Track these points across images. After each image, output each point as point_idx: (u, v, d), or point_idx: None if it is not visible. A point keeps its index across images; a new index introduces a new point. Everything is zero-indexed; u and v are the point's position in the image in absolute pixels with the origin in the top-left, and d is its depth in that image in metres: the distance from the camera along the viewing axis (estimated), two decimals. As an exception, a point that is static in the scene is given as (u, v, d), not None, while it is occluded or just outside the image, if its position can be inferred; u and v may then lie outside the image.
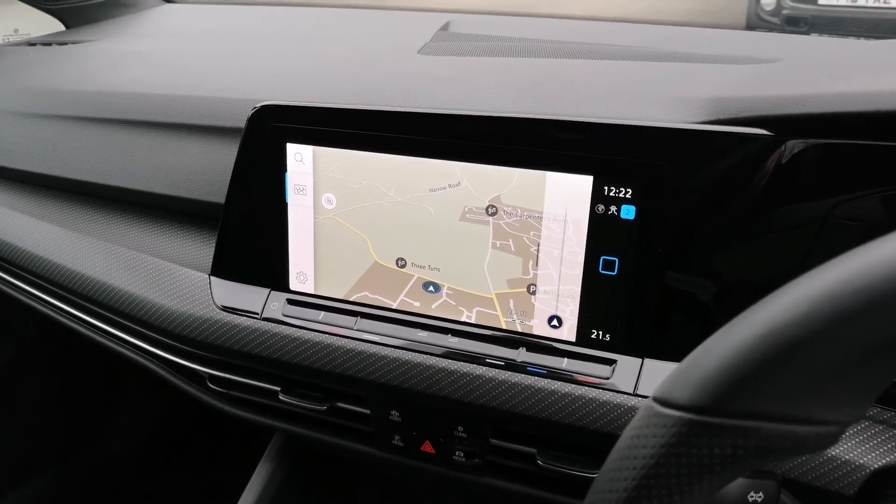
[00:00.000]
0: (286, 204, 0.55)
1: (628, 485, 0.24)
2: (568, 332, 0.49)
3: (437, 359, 0.51)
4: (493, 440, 0.52)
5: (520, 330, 0.50)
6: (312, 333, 0.54)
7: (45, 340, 1.12)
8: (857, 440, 0.41)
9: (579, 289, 0.48)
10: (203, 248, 0.63)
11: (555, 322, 0.50)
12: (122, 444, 1.24)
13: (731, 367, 0.22)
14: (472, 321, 0.51)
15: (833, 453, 0.41)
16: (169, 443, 1.29)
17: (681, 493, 0.23)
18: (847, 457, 0.41)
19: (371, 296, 0.54)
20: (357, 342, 0.53)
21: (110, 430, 1.23)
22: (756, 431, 0.22)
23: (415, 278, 0.53)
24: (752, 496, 0.34)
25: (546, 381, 0.48)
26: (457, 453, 0.53)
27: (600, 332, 0.48)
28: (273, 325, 0.56)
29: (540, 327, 0.50)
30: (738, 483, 0.34)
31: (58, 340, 1.13)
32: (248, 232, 0.57)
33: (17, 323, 1.09)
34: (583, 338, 0.49)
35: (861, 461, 0.41)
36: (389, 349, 0.52)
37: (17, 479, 1.11)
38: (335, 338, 0.54)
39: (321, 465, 0.67)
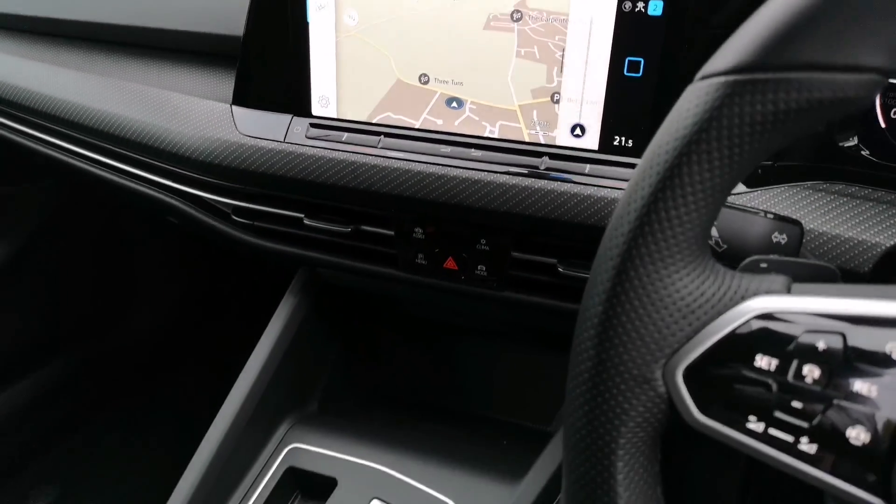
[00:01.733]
0: (307, 24, 0.55)
1: (670, 158, 0.25)
2: (591, 140, 0.50)
3: (461, 170, 0.52)
4: (514, 252, 0.54)
5: (543, 141, 0.51)
6: (336, 153, 0.55)
7: (66, 221, 1.13)
8: (873, 221, 0.43)
9: (603, 94, 0.49)
10: (223, 84, 0.63)
11: (577, 131, 0.50)
12: (135, 333, 1.27)
13: (773, 21, 0.23)
14: (496, 135, 0.52)
15: (848, 235, 0.43)
16: (182, 329, 1.32)
17: (722, 159, 0.24)
18: (862, 237, 0.42)
19: (394, 116, 0.55)
20: (381, 159, 0.54)
21: (126, 317, 1.26)
22: (798, 83, 0.23)
23: (438, 94, 0.53)
24: (775, 237, 0.35)
25: (568, 185, 0.49)
26: (479, 268, 0.55)
27: (623, 139, 0.49)
28: (297, 146, 0.56)
29: (563, 137, 0.51)
30: (763, 224, 0.35)
31: (78, 222, 1.15)
32: (269, 57, 0.57)
33: (40, 201, 1.10)
34: (605, 145, 0.50)
35: (875, 240, 0.42)
36: (414, 164, 0.53)
37: (36, 362, 1.14)
38: (359, 156, 0.54)
39: (342, 303, 0.70)
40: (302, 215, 0.59)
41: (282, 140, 0.57)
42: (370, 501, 0.56)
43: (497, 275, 0.55)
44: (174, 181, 0.65)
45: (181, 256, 1.26)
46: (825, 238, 0.42)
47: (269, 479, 0.60)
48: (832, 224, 0.42)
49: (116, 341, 1.23)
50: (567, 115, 0.50)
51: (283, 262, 0.67)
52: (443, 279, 0.57)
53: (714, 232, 0.35)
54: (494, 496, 0.55)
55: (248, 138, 0.58)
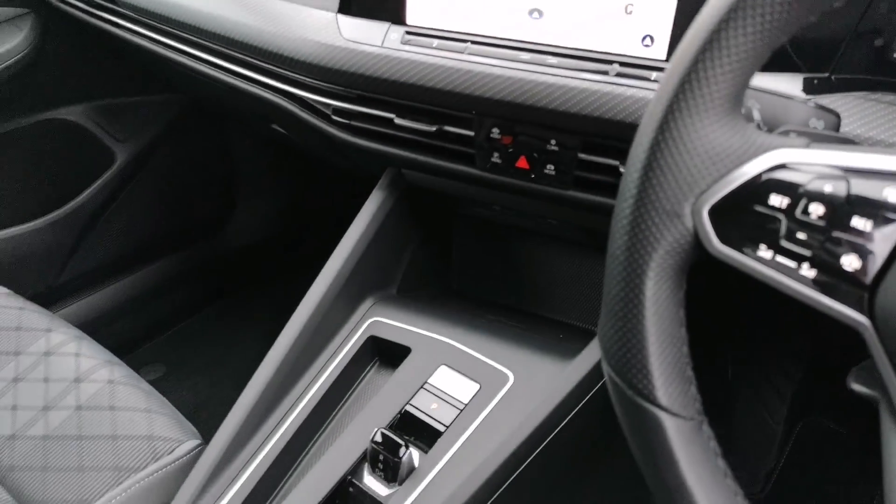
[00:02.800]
0: (407, -62, 0.61)
1: (711, 26, 0.30)
2: (659, 50, 0.55)
3: (537, 75, 0.57)
4: (581, 154, 0.59)
5: (614, 51, 0.56)
6: (427, 58, 0.62)
7: (181, 132, 1.26)
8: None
9: (674, 6, 0.53)
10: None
11: (647, 41, 0.55)
12: (239, 237, 1.42)
13: None
14: (571, 45, 0.58)
15: (882, 136, 0.46)
16: (281, 237, 1.45)
17: (755, 26, 0.29)
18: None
19: (480, 25, 0.61)
20: (467, 63, 0.60)
21: (231, 223, 1.40)
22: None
23: (521, 5, 0.59)
24: (812, 122, 0.40)
25: (633, 90, 0.54)
26: (548, 167, 0.61)
27: (689, 49, 0.53)
28: (393, 51, 0.63)
29: (633, 48, 0.56)
30: (803, 109, 0.40)
31: (191, 133, 1.28)
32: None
33: (161, 111, 1.23)
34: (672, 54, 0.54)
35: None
36: (495, 69, 0.59)
37: (150, 257, 1.30)
38: (447, 60, 0.61)
39: (422, 202, 0.77)
40: (393, 115, 0.67)
41: (380, 45, 0.64)
42: (438, 367, 0.65)
43: (564, 174, 0.61)
44: (284, 83, 0.73)
45: (280, 171, 1.38)
46: (861, 138, 0.46)
47: (353, 345, 0.69)
48: (870, 126, 0.45)
49: (223, 244, 1.37)
50: (638, 25, 0.55)
51: (372, 164, 0.75)
52: (515, 177, 0.63)
53: (756, 115, 0.40)
54: (548, 372, 0.62)
55: (351, 43, 0.65)
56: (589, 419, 0.61)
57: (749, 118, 0.41)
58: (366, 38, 0.66)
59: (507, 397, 0.61)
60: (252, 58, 0.74)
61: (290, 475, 0.63)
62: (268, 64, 0.73)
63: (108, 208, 1.21)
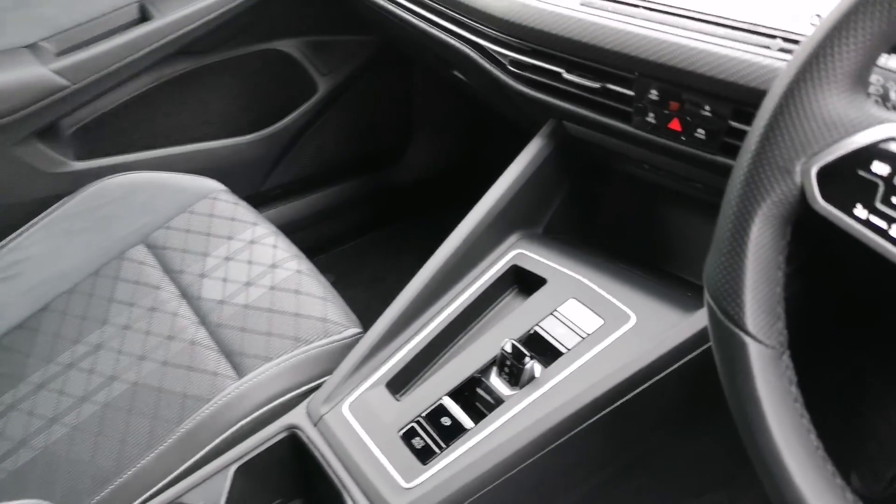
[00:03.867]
0: None
1: (842, 8, 0.35)
2: (826, 28, 0.57)
3: (703, 43, 0.62)
4: (732, 122, 0.63)
5: (782, 27, 0.59)
6: (601, 20, 0.68)
7: (373, 70, 1.41)
8: None
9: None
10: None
11: (815, 20, 0.57)
12: (409, 174, 1.57)
13: None
14: (740, 18, 0.61)
15: None
16: (445, 179, 1.59)
17: (882, 12, 0.34)
18: None
19: (655, -7, 0.66)
20: (636, 28, 0.66)
21: (406, 156, 1.56)
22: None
23: (697, -24, 0.63)
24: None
25: (794, 65, 0.57)
26: (699, 131, 0.66)
27: (857, 29, 0.55)
28: (571, 11, 0.70)
29: (800, 25, 0.58)
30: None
31: (382, 72, 1.43)
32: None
33: (357, 50, 1.39)
34: (839, 34, 0.56)
35: None
36: (662, 34, 0.64)
37: (337, 178, 1.48)
38: (619, 24, 0.67)
39: (577, 153, 0.84)
40: (562, 70, 0.74)
41: (560, 5, 0.72)
42: (568, 299, 0.73)
43: (713, 139, 0.65)
44: (470, 32, 0.83)
45: (454, 116, 1.50)
46: None
47: (496, 270, 0.79)
48: None
49: (397, 174, 1.54)
50: (809, 3, 0.57)
51: (536, 113, 0.83)
52: (666, 138, 0.69)
53: (893, 95, 0.43)
54: (669, 319, 0.68)
55: (534, 1, 0.73)
56: (696, 373, 0.66)
57: (885, 97, 0.44)
58: (549, -2, 0.73)
59: (627, 335, 0.68)
60: (445, 7, 0.84)
61: (430, 367, 0.75)
62: (458, 14, 0.83)
63: (306, 132, 1.39)
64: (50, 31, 1.11)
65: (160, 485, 0.69)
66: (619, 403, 0.64)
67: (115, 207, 1.04)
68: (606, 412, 0.64)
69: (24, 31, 1.09)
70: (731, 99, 0.62)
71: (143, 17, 1.16)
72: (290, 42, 1.34)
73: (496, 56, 0.81)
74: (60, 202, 1.04)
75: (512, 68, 0.80)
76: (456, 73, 1.01)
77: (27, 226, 1.03)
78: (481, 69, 0.84)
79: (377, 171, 1.53)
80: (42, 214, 1.04)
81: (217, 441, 0.71)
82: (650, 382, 0.65)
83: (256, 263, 0.95)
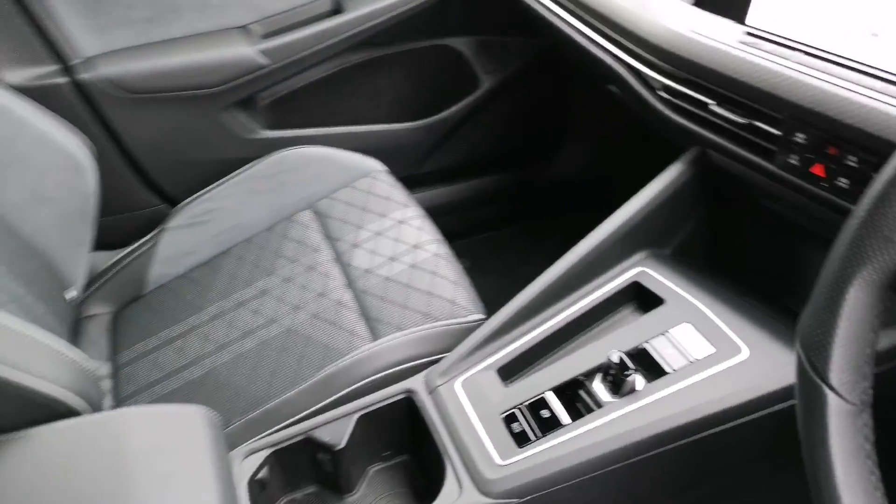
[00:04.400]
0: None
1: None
2: None
3: (859, 96, 0.62)
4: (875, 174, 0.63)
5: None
6: (759, 60, 0.70)
7: (534, 71, 1.47)
8: None
9: None
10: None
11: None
12: (553, 175, 1.62)
13: None
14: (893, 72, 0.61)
15: None
16: (587, 186, 1.62)
17: None
18: None
19: (812, 38, 0.66)
20: (792, 72, 0.67)
21: (550, 161, 1.61)
22: None
23: (863, 25, 0.63)
24: None
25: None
26: (841, 179, 0.66)
27: None
28: (729, 47, 0.72)
29: (966, 86, 0.57)
30: None
31: (542, 73, 1.49)
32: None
33: (521, 51, 1.45)
34: None
35: None
36: (817, 80, 0.65)
37: (488, 170, 1.56)
38: (773, 64, 0.68)
39: (716, 183, 0.85)
40: (711, 101, 0.76)
41: (719, 40, 0.74)
42: (683, 323, 0.76)
43: (856, 189, 0.65)
44: (627, 54, 0.86)
45: (605, 126, 1.53)
46: None
47: (618, 283, 0.83)
48: None
49: (542, 174, 1.60)
50: (979, 67, 0.56)
51: (680, 138, 0.85)
52: (807, 181, 0.69)
53: None
54: (782, 360, 0.69)
55: (694, 34, 0.76)
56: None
57: None
58: (708, 31, 0.75)
59: (736, 367, 0.70)
60: (605, 27, 0.89)
61: (540, 362, 0.81)
62: (618, 35, 0.87)
63: (464, 124, 1.49)
64: (258, 15, 1.28)
65: (296, 417, 0.82)
66: (713, 431, 0.67)
67: (291, 175, 1.19)
68: (699, 437, 0.67)
69: (239, 15, 1.26)
70: (879, 153, 0.62)
71: (336, 10, 1.30)
72: (461, 40, 1.43)
73: (648, 80, 0.84)
74: (249, 165, 1.22)
75: (662, 93, 0.83)
76: (611, 87, 1.05)
77: (222, 181, 1.21)
78: (632, 90, 0.88)
79: (524, 168, 1.60)
80: (235, 173, 1.21)
81: (347, 390, 0.83)
82: (749, 418, 0.67)
83: (402, 242, 1.06)
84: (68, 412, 0.67)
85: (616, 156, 1.55)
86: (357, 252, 1.07)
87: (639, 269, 0.84)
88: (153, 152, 1.27)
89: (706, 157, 0.83)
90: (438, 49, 1.43)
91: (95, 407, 0.72)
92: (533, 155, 1.60)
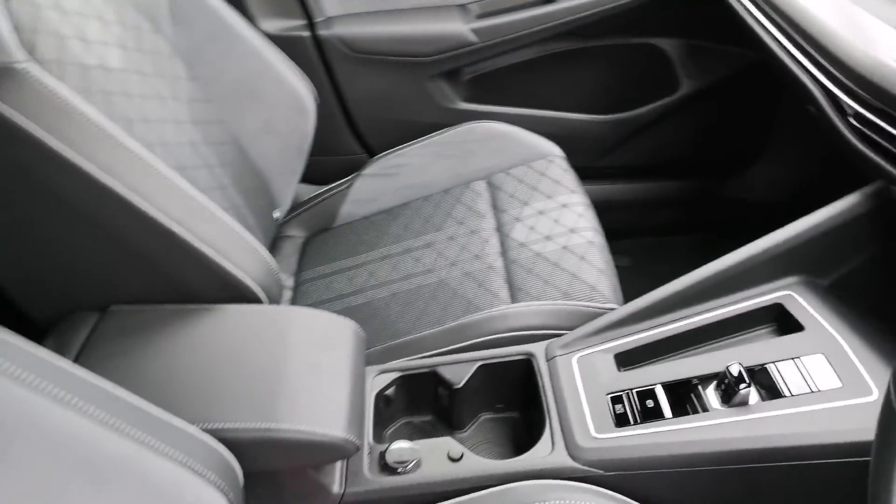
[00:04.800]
0: None
1: None
2: None
3: None
4: None
5: None
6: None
7: (749, 81, 1.43)
8: None
9: None
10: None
11: None
12: (735, 193, 1.56)
13: None
14: None
15: None
16: (770, 207, 1.54)
17: None
18: None
19: None
20: None
21: (735, 178, 1.55)
22: None
23: None
24: None
25: None
26: None
27: None
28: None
29: None
30: None
31: (751, 86, 1.44)
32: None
33: (727, 60, 1.42)
34: None
35: None
36: None
37: (654, 174, 1.55)
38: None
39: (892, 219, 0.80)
40: (906, 135, 0.72)
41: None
42: (817, 353, 0.74)
43: None
44: (826, 77, 0.83)
45: (802, 148, 1.44)
46: None
47: (759, 301, 0.82)
48: None
49: (725, 187, 1.55)
50: None
51: (866, 169, 0.81)
52: None
53: None
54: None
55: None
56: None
57: None
58: None
59: (859, 406, 0.68)
60: (809, 46, 0.86)
61: (659, 358, 0.83)
62: (819, 56, 0.84)
63: (653, 125, 1.49)
64: (477, -3, 1.39)
65: (427, 353, 0.92)
66: (815, 462, 0.66)
67: (476, 146, 1.29)
68: (799, 464, 0.66)
69: (462, -7, 1.38)
70: None
71: (549, -1, 1.37)
72: (668, 41, 1.43)
73: (843, 105, 0.81)
74: (442, 131, 1.34)
75: (852, 120, 0.79)
76: (809, 107, 1.00)
77: (415, 141, 1.34)
78: (823, 112, 0.85)
79: (708, 179, 1.56)
80: (427, 136, 1.34)
81: (475, 340, 0.91)
82: (857, 460, 0.64)
83: (560, 224, 1.12)
84: (253, 299, 0.83)
85: (810, 183, 1.45)
86: (517, 226, 1.14)
87: (786, 292, 0.82)
88: (364, 106, 1.45)
89: (889, 193, 0.79)
90: (643, 47, 1.44)
91: (274, 301, 0.87)
92: (721, 167, 1.56)
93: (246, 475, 0.66)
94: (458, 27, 1.36)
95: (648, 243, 1.61)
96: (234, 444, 0.65)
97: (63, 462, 0.51)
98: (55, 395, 0.51)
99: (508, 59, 1.43)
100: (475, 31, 1.36)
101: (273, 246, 1.28)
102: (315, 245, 1.29)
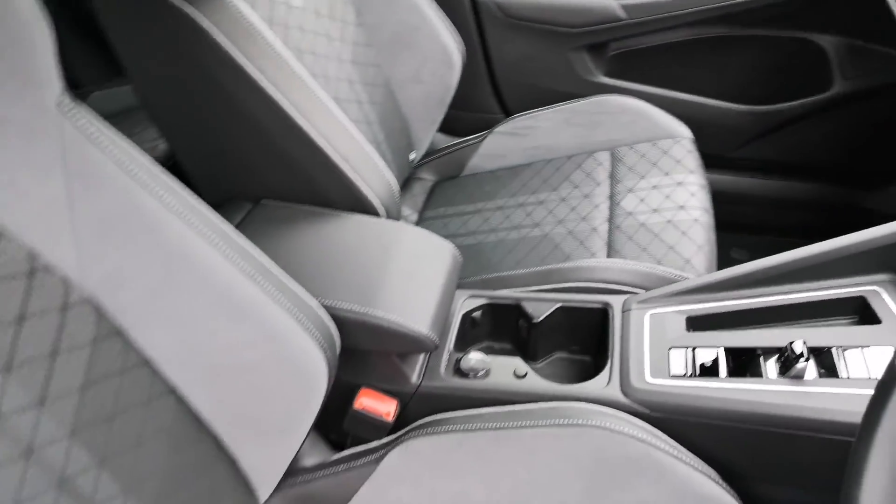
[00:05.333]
0: None
1: None
2: None
3: None
4: None
5: None
6: None
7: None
8: None
9: None
10: None
11: None
12: (871, 205, 1.48)
13: None
14: None
15: None
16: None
17: None
18: None
19: None
20: None
21: (875, 191, 1.47)
22: None
23: None
24: None
25: None
26: None
27: None
28: None
29: None
30: None
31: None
32: None
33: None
34: None
35: None
36: None
37: (789, 173, 1.50)
38: None
39: None
40: None
41: None
42: (886, 345, 0.75)
43: None
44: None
45: None
46: None
47: (843, 291, 0.83)
48: None
49: (874, 199, 1.48)
50: None
51: None
52: None
53: None
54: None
55: None
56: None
57: None
58: None
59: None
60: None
61: (729, 328, 0.86)
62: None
63: (798, 122, 1.45)
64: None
65: (516, 288, 1.02)
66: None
67: (605, 118, 1.35)
68: (842, 440, 0.69)
69: (620, -30, 1.43)
70: None
71: (708, -18, 1.38)
72: (829, 38, 1.39)
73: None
74: (576, 100, 1.40)
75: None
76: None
77: (549, 107, 1.42)
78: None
79: (848, 186, 1.49)
80: (561, 103, 1.41)
81: (561, 284, 0.99)
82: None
83: (671, 200, 1.16)
84: (374, 213, 0.98)
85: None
86: (629, 197, 1.20)
87: (873, 287, 0.82)
88: (508, 69, 1.54)
89: None
90: (799, 42, 1.40)
91: (391, 219, 1.01)
92: (866, 177, 1.49)
93: (343, 349, 0.80)
94: (609, 2, 1.41)
95: (770, 242, 1.57)
96: (339, 320, 0.79)
97: (210, 294, 0.67)
98: (214, 242, 0.67)
99: (655, 39, 1.46)
100: (625, 7, 1.40)
101: (405, 184, 1.42)
102: (441, 189, 1.42)
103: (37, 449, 0.57)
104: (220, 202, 0.99)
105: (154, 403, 0.66)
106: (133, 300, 0.64)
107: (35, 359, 0.57)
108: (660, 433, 0.75)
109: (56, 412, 0.58)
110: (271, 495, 0.80)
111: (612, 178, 1.26)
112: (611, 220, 1.16)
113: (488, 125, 1.46)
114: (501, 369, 0.86)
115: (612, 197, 1.22)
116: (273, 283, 0.71)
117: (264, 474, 0.78)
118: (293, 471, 0.87)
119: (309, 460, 0.89)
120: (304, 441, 0.80)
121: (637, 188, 1.21)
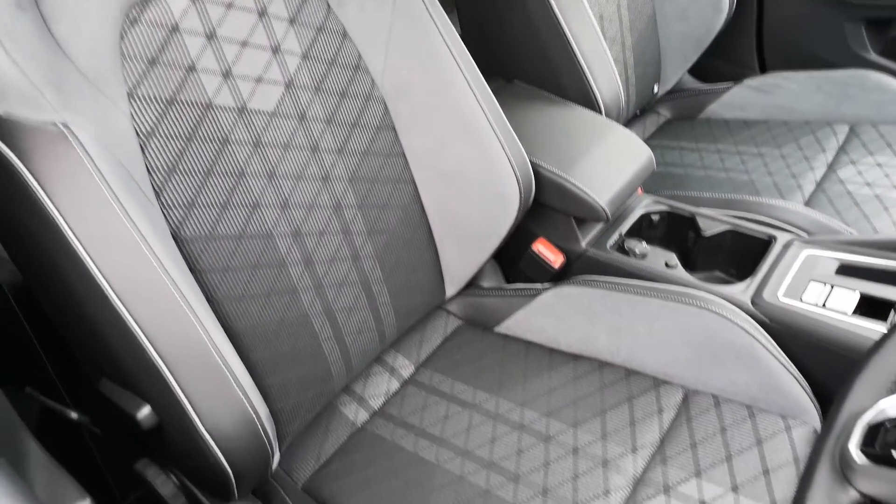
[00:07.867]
0: None
1: None
2: None
3: None
4: None
5: None
6: None
7: None
8: None
9: None
10: None
11: None
12: None
13: None
14: None
15: None
16: None
17: None
18: None
19: None
20: None
21: None
22: None
23: None
24: None
25: None
26: None
27: None
28: None
29: None
30: None
31: None
32: None
33: None
34: None
35: None
36: None
37: None
38: None
39: None
40: None
41: None
42: None
43: None
44: None
45: None
46: None
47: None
48: None
49: None
50: None
51: None
52: None
53: None
54: None
55: None
56: None
57: None
58: None
59: None
60: None
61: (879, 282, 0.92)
62: None
63: None
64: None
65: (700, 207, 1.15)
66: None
67: (857, 92, 1.36)
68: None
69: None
70: None
71: None
72: None
73: None
74: (833, 71, 1.41)
75: None
76: None
77: (805, 71, 1.44)
78: None
79: None
80: (816, 70, 1.43)
81: (743, 214, 1.11)
82: None
83: (889, 178, 1.18)
84: (597, 109, 1.17)
85: None
86: (848, 167, 1.24)
87: None
88: (778, 27, 1.57)
89: None
90: None
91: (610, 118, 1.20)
92: None
93: (536, 203, 1.03)
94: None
95: None
96: (540, 177, 1.02)
97: (457, 118, 0.94)
98: (472, 85, 0.92)
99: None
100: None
101: (640, 114, 1.57)
102: (671, 126, 1.54)
103: (330, 180, 0.90)
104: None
105: (399, 185, 0.96)
106: (408, 110, 0.93)
107: (343, 124, 0.88)
108: (768, 336, 0.87)
109: (346, 162, 0.89)
110: (455, 295, 1.08)
111: (842, 149, 1.29)
112: (820, 182, 1.21)
113: (735, 77, 1.53)
114: (657, 258, 1.03)
115: (832, 165, 1.26)
116: (501, 128, 0.95)
117: (454, 273, 1.06)
118: (474, 285, 1.13)
119: (487, 283, 1.15)
120: (487, 260, 1.05)
121: (860, 161, 1.23)
